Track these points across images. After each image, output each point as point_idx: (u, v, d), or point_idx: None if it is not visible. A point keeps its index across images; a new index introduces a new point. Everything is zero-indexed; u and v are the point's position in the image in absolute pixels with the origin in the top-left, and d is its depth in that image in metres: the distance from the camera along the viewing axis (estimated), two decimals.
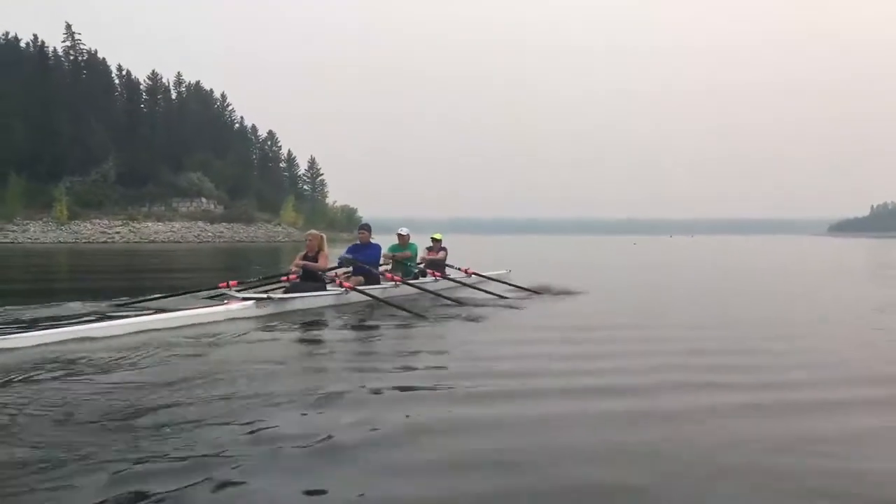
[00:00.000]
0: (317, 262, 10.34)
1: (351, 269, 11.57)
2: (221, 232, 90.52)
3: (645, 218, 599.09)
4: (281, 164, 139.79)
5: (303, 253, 10.52)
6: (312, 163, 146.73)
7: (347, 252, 11.68)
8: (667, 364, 6.31)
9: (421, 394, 5.11)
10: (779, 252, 48.50)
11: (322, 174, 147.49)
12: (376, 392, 5.08)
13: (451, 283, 12.98)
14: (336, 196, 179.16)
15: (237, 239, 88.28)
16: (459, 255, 18.24)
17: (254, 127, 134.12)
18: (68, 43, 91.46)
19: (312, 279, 10.26)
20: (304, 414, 4.46)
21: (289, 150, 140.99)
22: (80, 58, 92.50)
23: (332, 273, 10.96)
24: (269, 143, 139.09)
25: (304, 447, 3.80)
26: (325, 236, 10.61)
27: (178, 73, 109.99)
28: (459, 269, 13.94)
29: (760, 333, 8.54)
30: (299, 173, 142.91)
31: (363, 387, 5.20)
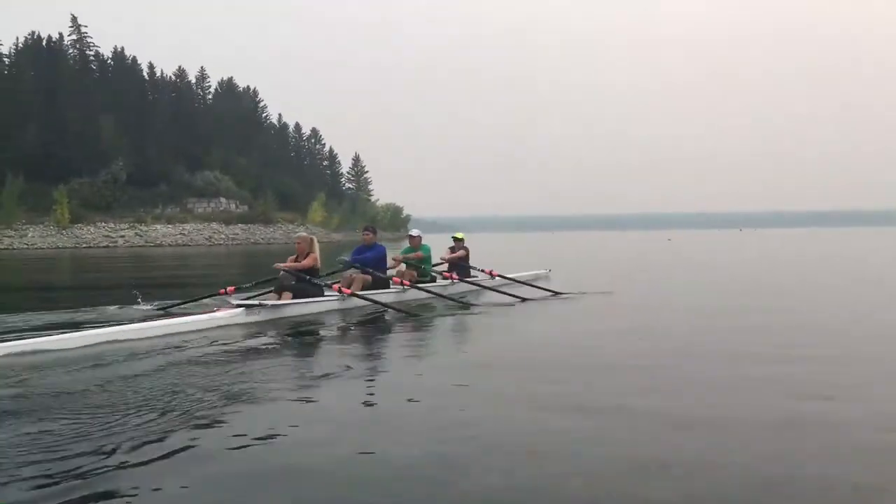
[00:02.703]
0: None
1: (352, 271, 10.62)
2: (236, 234, 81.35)
3: (713, 211, 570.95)
4: (324, 163, 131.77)
5: (293, 257, 9.85)
6: (357, 160, 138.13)
7: (352, 255, 11.05)
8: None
9: (396, 407, 4.69)
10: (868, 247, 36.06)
11: (367, 171, 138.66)
12: (349, 403, 4.78)
13: (469, 287, 12.20)
14: (388, 196, 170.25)
15: (252, 241, 79.08)
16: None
17: (297, 125, 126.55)
18: (74, 36, 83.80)
19: (302, 280, 9.44)
20: (272, 427, 4.11)
21: (330, 148, 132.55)
22: (87, 51, 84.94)
23: (335, 285, 10.06)
24: (311, 140, 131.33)
25: (266, 463, 3.57)
26: (315, 238, 10.04)
27: (202, 67, 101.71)
28: (483, 270, 13.04)
29: None
30: (341, 171, 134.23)
31: (340, 400, 4.89)
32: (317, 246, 9.87)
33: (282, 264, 9.65)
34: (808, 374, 5.61)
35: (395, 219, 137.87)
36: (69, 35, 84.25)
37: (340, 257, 11.26)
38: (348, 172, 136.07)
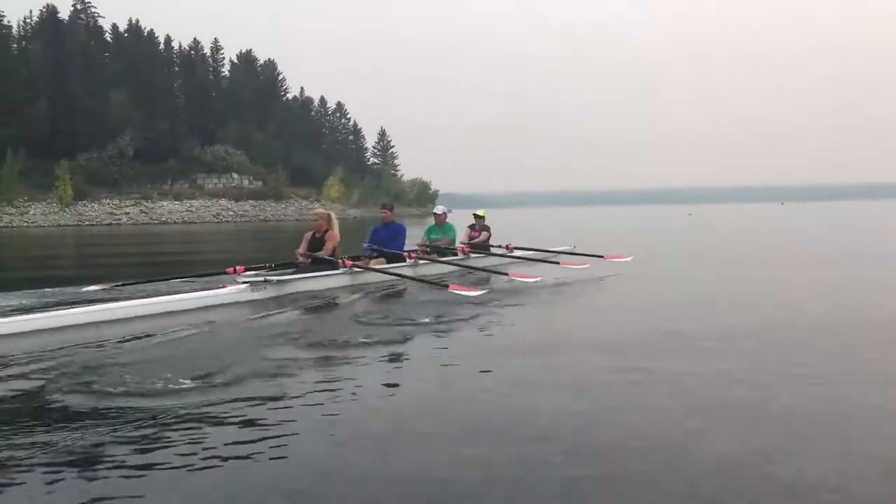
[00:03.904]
0: (324, 242, 9.19)
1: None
2: (246, 210, 77.24)
3: (758, 185, 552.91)
4: (349, 138, 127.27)
5: (310, 233, 9.37)
6: (383, 134, 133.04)
7: (371, 237, 10.42)
8: None
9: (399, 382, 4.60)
10: None
11: (393, 146, 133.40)
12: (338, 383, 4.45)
13: (482, 261, 11.25)
14: (423, 172, 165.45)
15: (262, 218, 74.99)
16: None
17: (322, 99, 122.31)
18: (78, 6, 79.91)
19: (322, 262, 9.06)
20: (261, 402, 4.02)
21: (354, 122, 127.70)
22: (92, 21, 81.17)
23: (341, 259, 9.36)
24: (336, 114, 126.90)
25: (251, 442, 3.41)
26: (332, 214, 9.53)
27: (215, 38, 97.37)
28: (500, 245, 12.24)
29: None
30: (365, 146, 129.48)
31: (346, 380, 4.53)
32: (336, 223, 9.38)
33: (306, 252, 9.13)
34: None
35: (423, 194, 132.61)
36: (73, 5, 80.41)
37: (366, 245, 10.39)
38: (374, 147, 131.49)
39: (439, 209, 11.81)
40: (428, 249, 11.12)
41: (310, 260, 9.06)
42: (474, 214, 12.67)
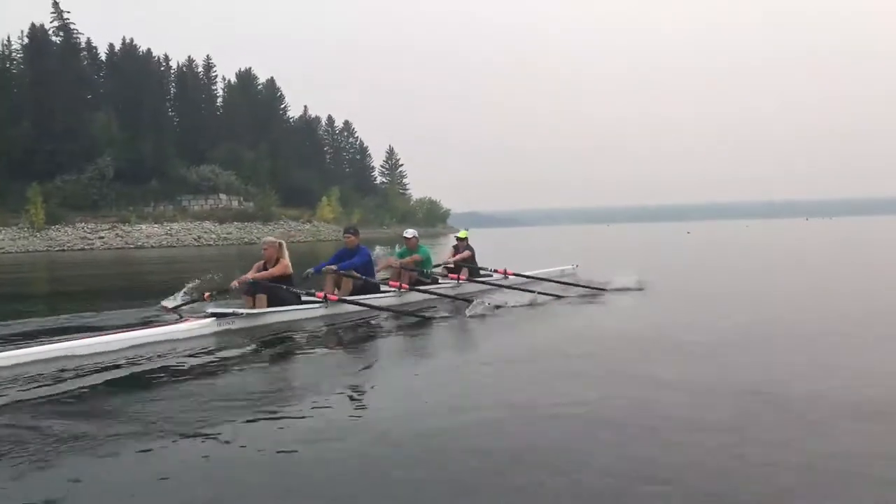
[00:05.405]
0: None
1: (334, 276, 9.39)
2: (229, 233, 71.57)
3: (782, 200, 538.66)
4: (357, 157, 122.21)
5: (260, 263, 8.68)
6: (391, 153, 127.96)
7: (331, 261, 9.52)
8: None
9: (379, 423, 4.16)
10: None
11: (401, 164, 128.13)
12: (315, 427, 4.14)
13: (479, 287, 10.95)
14: (442, 191, 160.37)
15: (246, 241, 69.33)
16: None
17: (329, 118, 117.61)
18: (56, 23, 75.52)
19: (275, 288, 8.36)
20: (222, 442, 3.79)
21: (360, 141, 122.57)
22: (71, 38, 76.82)
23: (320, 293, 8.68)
24: (344, 133, 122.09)
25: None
26: (284, 243, 8.78)
27: (208, 55, 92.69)
28: (496, 270, 11.86)
29: None
30: (372, 165, 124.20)
31: (321, 419, 4.28)
32: (286, 251, 8.65)
33: (248, 275, 8.28)
34: None
35: (432, 214, 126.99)
36: (51, 23, 76.04)
37: (308, 271, 9.42)
38: (381, 166, 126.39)
39: (409, 233, 11.16)
40: (407, 269, 10.25)
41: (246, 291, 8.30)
42: (456, 237, 12.31)
